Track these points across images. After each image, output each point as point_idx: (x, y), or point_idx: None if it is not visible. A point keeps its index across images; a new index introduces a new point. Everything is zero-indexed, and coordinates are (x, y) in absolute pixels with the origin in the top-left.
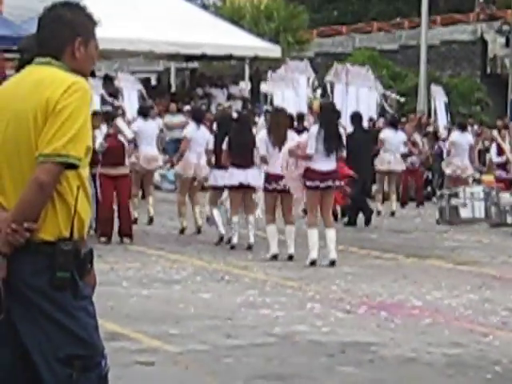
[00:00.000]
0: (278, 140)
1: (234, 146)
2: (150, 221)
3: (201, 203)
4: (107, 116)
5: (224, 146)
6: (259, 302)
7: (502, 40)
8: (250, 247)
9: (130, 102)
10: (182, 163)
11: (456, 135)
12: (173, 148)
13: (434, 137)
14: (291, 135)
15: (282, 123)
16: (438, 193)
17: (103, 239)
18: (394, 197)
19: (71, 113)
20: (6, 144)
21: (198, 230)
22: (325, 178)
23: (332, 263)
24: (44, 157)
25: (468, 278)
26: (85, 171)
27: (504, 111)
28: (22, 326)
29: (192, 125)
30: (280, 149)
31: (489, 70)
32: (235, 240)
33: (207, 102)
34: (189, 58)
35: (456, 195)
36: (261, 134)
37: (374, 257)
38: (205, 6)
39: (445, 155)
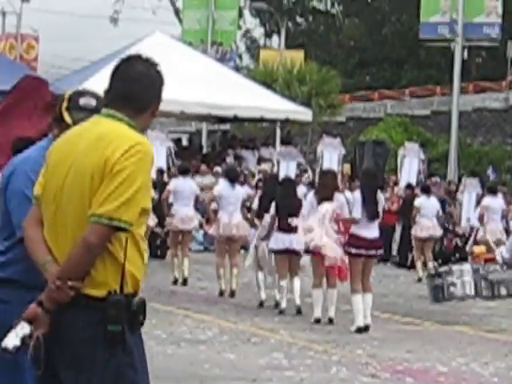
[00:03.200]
0: (326, 201)
1: (280, 210)
2: (184, 282)
3: (240, 266)
4: None
5: (271, 211)
6: (284, 364)
7: None
8: (299, 311)
9: (158, 158)
10: (213, 224)
11: (488, 200)
12: (203, 209)
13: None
14: (337, 196)
15: (329, 185)
16: (429, 271)
17: None
18: (430, 264)
19: (127, 176)
20: (63, 194)
21: (232, 294)
22: (369, 245)
23: (366, 328)
24: (96, 217)
25: (495, 346)
26: (140, 229)
27: None
28: (67, 376)
29: (223, 183)
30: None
31: None
32: (284, 304)
33: (238, 164)
34: (220, 119)
35: (446, 273)
36: (309, 197)
37: (401, 322)
38: (237, 69)
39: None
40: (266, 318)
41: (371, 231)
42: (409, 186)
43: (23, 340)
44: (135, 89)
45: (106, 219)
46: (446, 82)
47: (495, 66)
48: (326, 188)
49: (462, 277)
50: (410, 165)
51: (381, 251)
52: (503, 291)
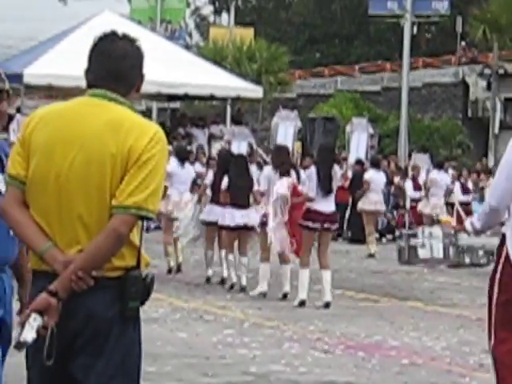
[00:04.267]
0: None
1: (232, 186)
2: None
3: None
4: None
5: (223, 186)
6: (237, 341)
7: (484, 83)
8: (242, 289)
9: None
10: (163, 201)
11: (435, 174)
12: None
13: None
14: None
15: (286, 161)
16: (397, 233)
17: None
18: (373, 238)
19: (155, 165)
20: (70, 177)
21: (179, 268)
22: (325, 219)
23: (327, 305)
24: (124, 208)
25: (446, 320)
26: None
27: (485, 154)
28: (80, 361)
29: (175, 162)
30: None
31: (470, 113)
32: (234, 279)
33: (188, 142)
34: (171, 97)
35: (415, 235)
36: (266, 171)
37: (353, 298)
38: (187, 46)
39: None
40: (217, 295)
41: (327, 205)
42: (358, 162)
43: (38, 332)
44: (122, 67)
45: (136, 209)
46: (396, 57)
47: (445, 41)
48: (283, 164)
49: (432, 239)
50: (359, 140)
51: (336, 225)
52: (467, 260)
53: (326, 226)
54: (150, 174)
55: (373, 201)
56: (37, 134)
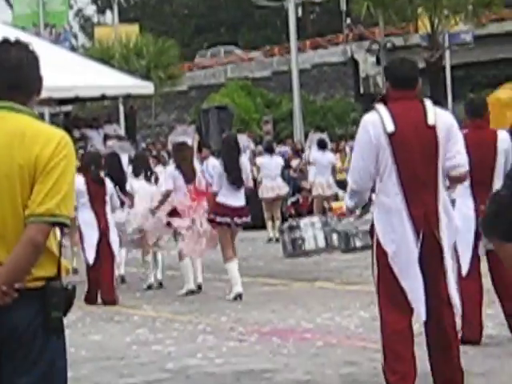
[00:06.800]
0: (190, 174)
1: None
2: None
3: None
4: None
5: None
6: (151, 339)
7: (373, 59)
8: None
9: None
10: None
11: (317, 154)
12: None
13: None
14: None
15: (188, 157)
16: (280, 227)
17: None
18: (278, 223)
19: (63, 171)
20: None
21: (75, 271)
22: (235, 213)
23: (239, 296)
24: (37, 216)
25: (357, 297)
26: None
27: None
28: (5, 368)
29: None
30: (191, 183)
31: (362, 90)
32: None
33: (84, 144)
34: (62, 101)
35: (296, 227)
36: (169, 169)
37: (263, 284)
38: (74, 48)
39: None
40: (127, 295)
41: (236, 199)
42: None
43: None
44: (21, 76)
45: (49, 217)
46: (284, 41)
47: (330, 21)
48: (185, 161)
49: (312, 230)
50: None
51: (247, 219)
52: (358, 243)
53: (236, 220)
54: (59, 180)
55: (270, 188)
56: None
